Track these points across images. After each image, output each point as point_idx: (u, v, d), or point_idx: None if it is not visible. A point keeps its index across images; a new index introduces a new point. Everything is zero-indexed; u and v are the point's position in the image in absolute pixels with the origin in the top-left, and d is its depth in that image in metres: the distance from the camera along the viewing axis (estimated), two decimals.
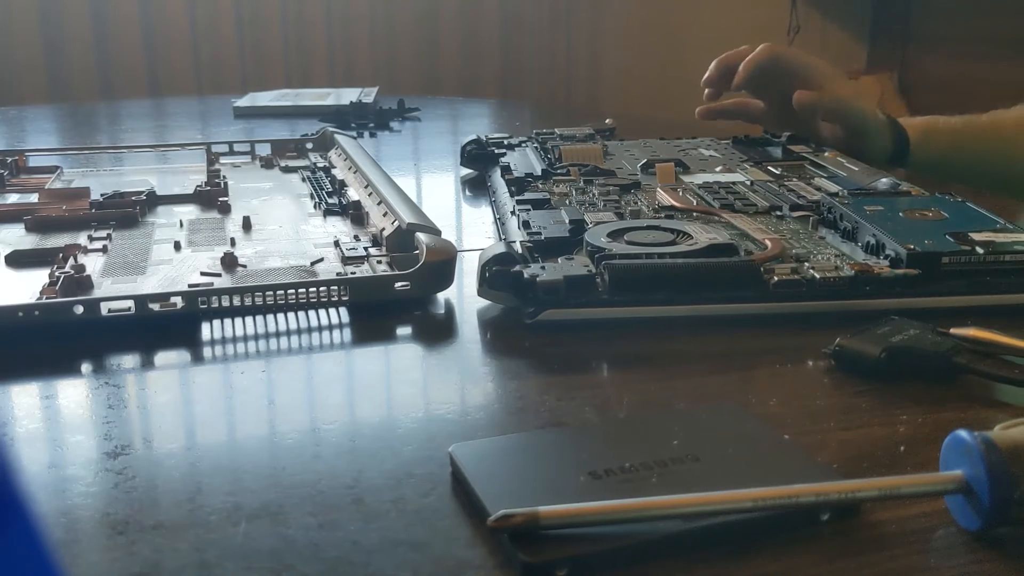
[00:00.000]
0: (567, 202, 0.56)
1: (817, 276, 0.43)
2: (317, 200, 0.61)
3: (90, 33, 1.85)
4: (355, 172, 0.64)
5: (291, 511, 0.28)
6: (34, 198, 0.62)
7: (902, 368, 0.36)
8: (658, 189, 0.59)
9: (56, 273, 0.45)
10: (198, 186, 0.63)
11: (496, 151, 0.70)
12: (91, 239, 0.53)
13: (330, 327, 0.43)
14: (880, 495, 0.26)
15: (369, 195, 0.57)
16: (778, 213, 0.54)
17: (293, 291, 0.43)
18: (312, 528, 0.27)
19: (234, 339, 0.41)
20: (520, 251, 0.45)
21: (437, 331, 0.43)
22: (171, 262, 0.49)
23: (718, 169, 0.66)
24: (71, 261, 0.48)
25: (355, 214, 0.56)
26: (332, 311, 0.44)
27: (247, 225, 0.56)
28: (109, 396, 0.36)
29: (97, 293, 0.45)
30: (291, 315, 0.43)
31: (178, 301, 0.42)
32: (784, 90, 0.67)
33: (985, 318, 0.39)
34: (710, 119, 0.73)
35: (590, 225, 0.49)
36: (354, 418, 0.35)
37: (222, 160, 0.74)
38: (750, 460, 0.29)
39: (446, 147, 0.88)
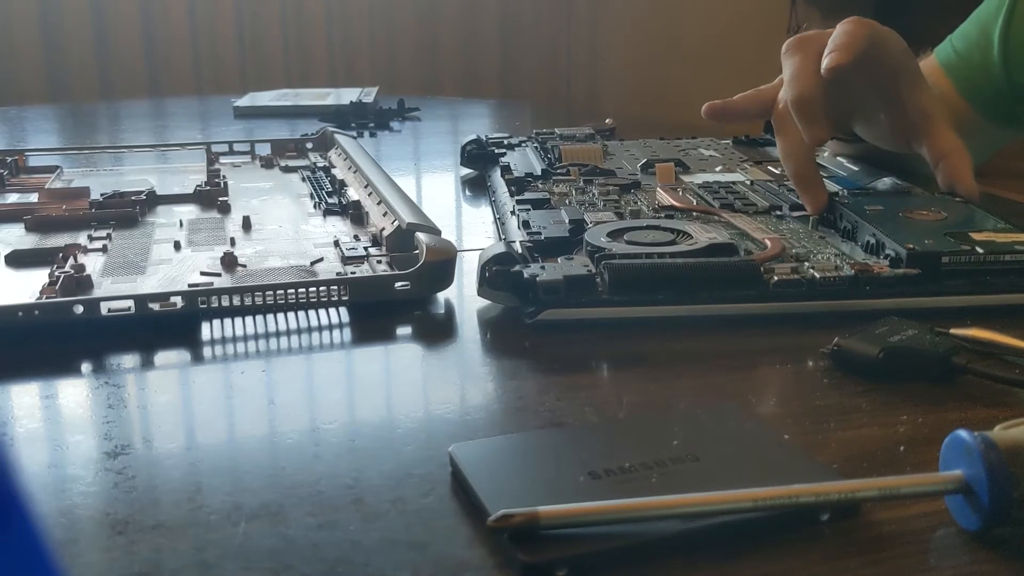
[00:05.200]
0: (567, 202, 0.56)
1: (817, 276, 0.43)
2: (317, 200, 0.61)
3: (90, 33, 1.85)
4: (355, 172, 0.64)
5: (291, 511, 0.28)
6: (34, 198, 0.62)
7: (900, 368, 0.36)
8: (658, 189, 0.59)
9: (56, 273, 0.45)
10: (198, 186, 0.63)
11: (496, 151, 0.70)
12: (91, 239, 0.53)
13: (330, 327, 0.43)
14: (880, 495, 0.26)
15: (369, 195, 0.57)
16: (778, 213, 0.54)
17: (293, 291, 0.43)
18: (312, 528, 0.27)
19: (234, 339, 0.42)
20: (520, 251, 0.45)
21: (437, 331, 0.43)
22: (171, 262, 0.49)
23: (718, 169, 0.66)
24: (71, 261, 0.48)
25: (355, 214, 0.56)
26: (332, 311, 0.44)
27: (247, 225, 0.56)
28: (109, 396, 0.36)
29: (97, 293, 0.45)
30: (291, 315, 0.43)
31: (178, 301, 0.42)
32: (871, 91, 0.56)
33: (985, 318, 0.39)
34: (724, 118, 0.61)
35: (590, 225, 0.49)
36: (354, 418, 0.35)
37: (222, 160, 0.74)
38: (750, 460, 0.29)
39: (446, 147, 0.88)
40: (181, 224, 0.56)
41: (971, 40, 0.73)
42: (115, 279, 0.47)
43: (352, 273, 0.47)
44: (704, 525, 0.26)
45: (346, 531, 0.27)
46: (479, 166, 0.71)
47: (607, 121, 0.83)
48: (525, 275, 0.42)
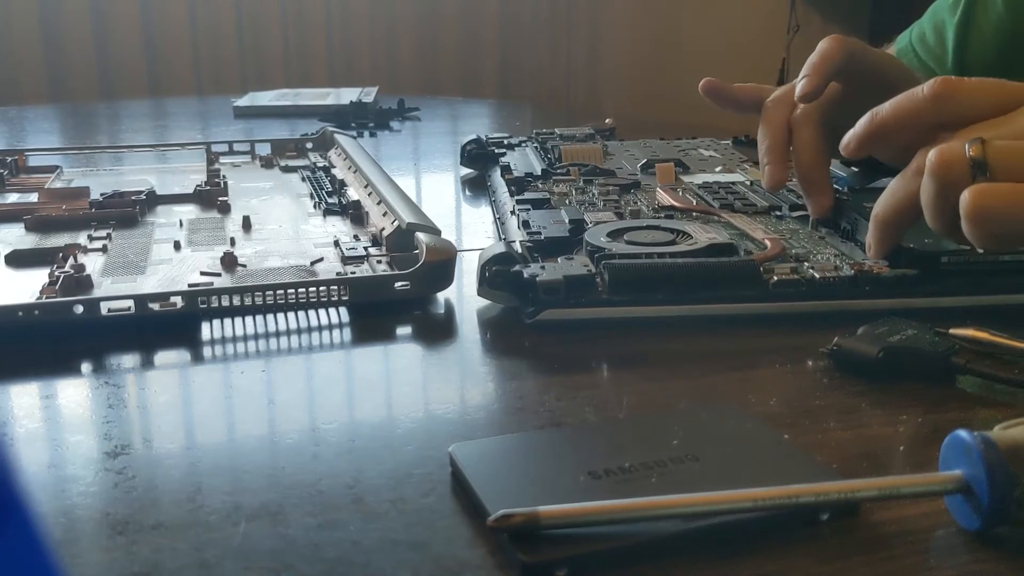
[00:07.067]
0: (567, 202, 0.56)
1: (817, 276, 0.43)
2: (317, 200, 0.61)
3: (90, 33, 1.85)
4: (355, 172, 0.64)
5: (291, 511, 0.28)
6: (34, 198, 0.62)
7: (900, 368, 0.36)
8: (658, 189, 0.59)
9: (56, 273, 0.45)
10: (198, 186, 0.63)
11: (496, 151, 0.70)
12: (91, 239, 0.53)
13: (330, 327, 0.43)
14: (880, 495, 0.26)
15: (369, 195, 0.57)
16: (778, 213, 0.54)
17: (293, 291, 0.43)
18: (312, 528, 0.27)
19: (234, 339, 0.42)
20: (520, 251, 0.45)
21: (437, 331, 0.43)
22: (171, 262, 0.49)
23: (718, 169, 0.66)
24: (71, 261, 0.48)
25: (355, 214, 0.56)
26: (332, 311, 0.44)
27: (247, 225, 0.56)
28: (109, 396, 0.36)
29: (97, 293, 0.45)
30: (291, 315, 0.43)
31: (178, 301, 0.42)
32: (861, 103, 0.52)
33: (985, 318, 0.39)
34: (717, 99, 0.59)
35: (590, 225, 0.49)
36: (354, 418, 0.35)
37: (222, 160, 0.74)
38: (750, 460, 0.29)
39: (446, 147, 0.88)
40: (181, 224, 0.56)
41: (928, 47, 0.73)
42: (115, 279, 0.47)
43: (352, 273, 0.47)
44: (704, 525, 0.26)
45: (346, 531, 0.27)
46: (479, 166, 0.71)
47: (607, 121, 0.83)
48: (525, 275, 0.42)
